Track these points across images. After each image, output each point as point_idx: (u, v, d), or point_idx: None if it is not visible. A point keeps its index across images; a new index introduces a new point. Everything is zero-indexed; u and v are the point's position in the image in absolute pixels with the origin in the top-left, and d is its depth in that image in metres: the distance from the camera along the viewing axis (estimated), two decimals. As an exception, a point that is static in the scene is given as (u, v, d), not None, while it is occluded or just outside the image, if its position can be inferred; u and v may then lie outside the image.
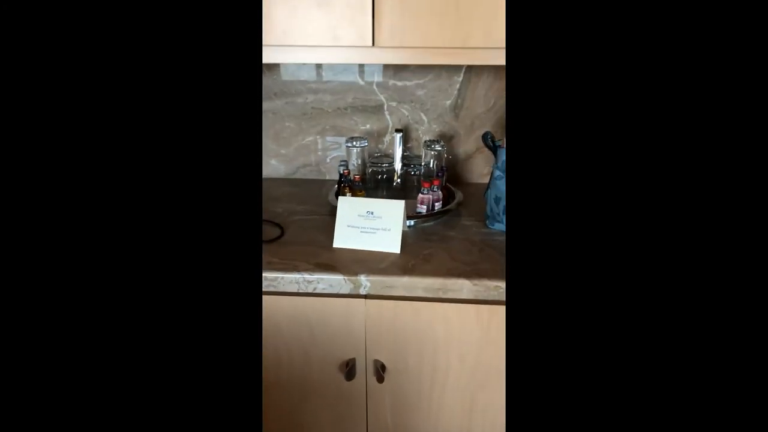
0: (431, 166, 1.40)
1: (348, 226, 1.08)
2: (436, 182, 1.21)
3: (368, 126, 1.47)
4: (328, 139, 1.49)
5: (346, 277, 0.96)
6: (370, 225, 1.07)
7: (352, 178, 1.23)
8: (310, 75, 1.42)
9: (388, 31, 1.01)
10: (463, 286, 0.94)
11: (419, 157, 1.48)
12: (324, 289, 0.97)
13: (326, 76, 1.42)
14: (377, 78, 1.41)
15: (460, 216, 1.25)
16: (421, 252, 1.05)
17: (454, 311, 0.98)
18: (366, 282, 0.96)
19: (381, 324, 1.02)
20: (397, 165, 1.36)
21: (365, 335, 1.03)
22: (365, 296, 0.99)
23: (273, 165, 1.53)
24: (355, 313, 1.00)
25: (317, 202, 1.35)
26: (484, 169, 1.50)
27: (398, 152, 1.35)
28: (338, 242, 1.08)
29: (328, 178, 1.54)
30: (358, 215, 1.07)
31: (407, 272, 0.97)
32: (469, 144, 1.47)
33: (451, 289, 0.95)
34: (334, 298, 0.99)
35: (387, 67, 1.39)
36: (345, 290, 0.97)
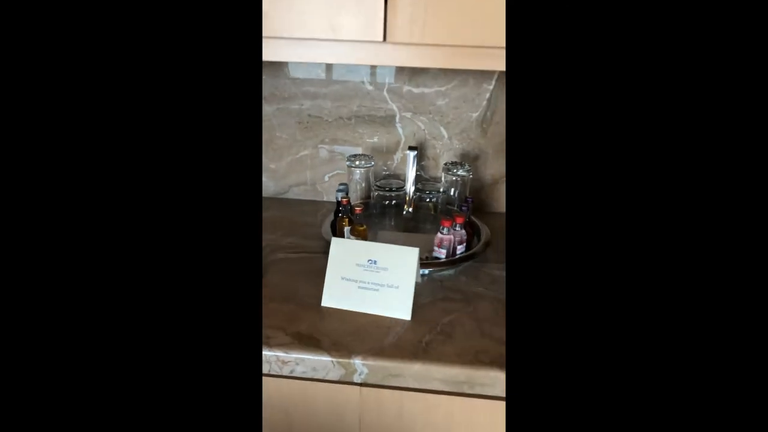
0: (452, 194, 1.13)
1: (342, 278, 0.82)
2: (459, 219, 0.94)
3: (375, 140, 1.21)
4: (325, 150, 1.23)
5: (335, 360, 0.70)
6: (372, 279, 0.80)
7: (351, 209, 0.97)
8: (306, 73, 1.16)
9: (405, 23, 0.74)
10: (497, 380, 0.68)
11: (436, 180, 1.21)
12: (304, 372, 0.71)
13: (327, 76, 1.16)
14: (389, 81, 1.14)
15: (487, 261, 0.98)
16: (438, 320, 0.78)
17: (484, 409, 0.72)
18: (362, 368, 0.70)
19: (381, 418, 0.75)
20: (409, 189, 1.10)
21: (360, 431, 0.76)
22: (361, 384, 0.73)
23: (262, 183, 1.27)
24: (347, 401, 0.74)
25: (308, 233, 1.08)
26: (515, 197, 1.22)
27: (411, 174, 1.09)
28: (328, 300, 0.82)
29: (325, 199, 1.28)
30: (357, 264, 0.81)
31: (420, 355, 0.70)
32: (497, 166, 1.20)
33: (480, 383, 0.69)
34: (318, 383, 0.73)
35: (401, 70, 1.13)
36: (333, 376, 0.71)
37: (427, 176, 1.22)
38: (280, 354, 0.70)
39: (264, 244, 1.03)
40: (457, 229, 0.94)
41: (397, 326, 0.77)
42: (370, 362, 0.69)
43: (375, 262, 0.81)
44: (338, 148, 1.22)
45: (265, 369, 0.71)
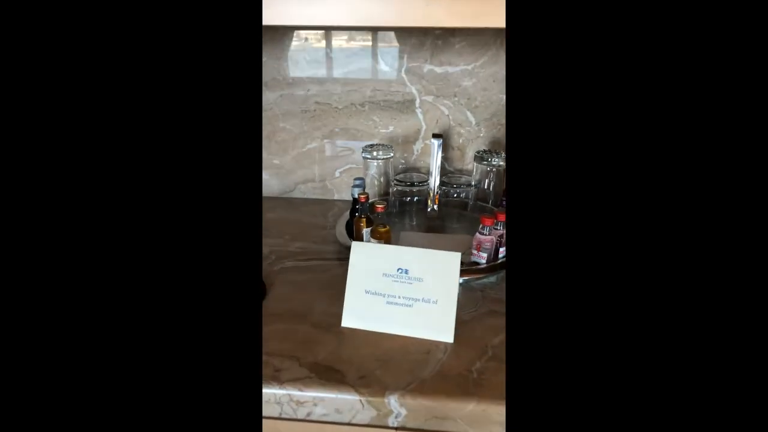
0: (485, 187, 0.98)
1: (366, 292, 0.67)
2: (502, 217, 0.79)
3: (392, 129, 1.06)
4: (339, 144, 1.08)
5: (364, 398, 0.55)
6: (404, 292, 0.65)
7: (371, 207, 0.82)
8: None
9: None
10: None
11: (463, 173, 1.06)
12: (325, 415, 0.56)
13: (333, 57, 1.01)
14: (407, 61, 1.00)
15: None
16: (488, 341, 0.63)
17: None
18: (399, 408, 0.54)
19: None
20: (434, 183, 0.95)
21: (393, 480, 0.61)
22: (397, 429, 0.58)
23: (264, 179, 1.13)
24: (378, 446, 0.59)
25: (320, 236, 0.94)
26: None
27: (436, 166, 0.94)
28: (350, 319, 0.67)
29: (336, 198, 1.13)
30: (384, 274, 0.66)
31: (471, 390, 0.55)
32: (533, 155, 1.05)
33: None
34: (344, 426, 0.58)
35: (422, 45, 0.98)
36: (362, 419, 0.56)
37: (451, 168, 1.08)
38: (294, 392, 0.55)
39: (268, 250, 0.88)
40: (500, 228, 0.79)
41: (438, 351, 0.61)
42: (409, 401, 0.54)
43: (406, 271, 0.66)
44: (349, 143, 1.08)
45: (274, 411, 0.57)
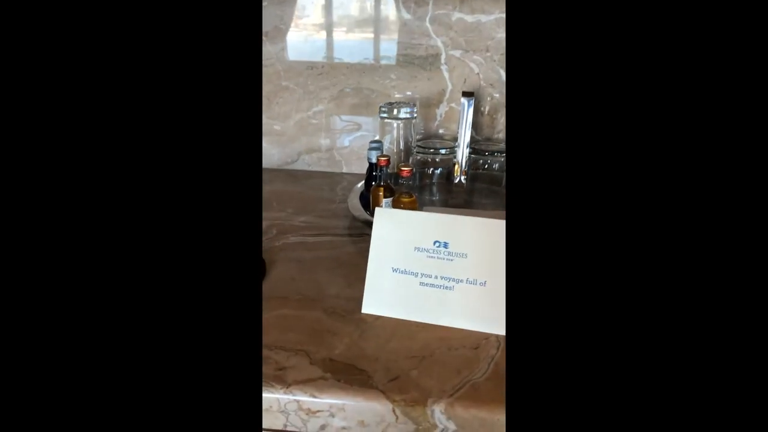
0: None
1: (394, 270, 0.53)
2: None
3: (414, 89, 0.91)
4: (345, 116, 0.94)
5: (398, 407, 0.41)
6: (443, 271, 0.51)
7: (396, 171, 0.68)
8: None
9: None
10: None
11: (494, 141, 0.93)
12: (346, 429, 0.42)
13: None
14: (432, 7, 0.85)
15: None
16: (550, 334, 0.50)
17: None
18: (446, 421, 0.41)
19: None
20: (462, 152, 0.81)
21: None
22: (440, 447, 0.44)
23: (263, 148, 0.98)
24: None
25: (329, 210, 0.80)
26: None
27: (465, 131, 0.80)
28: (372, 305, 0.53)
29: (345, 171, 0.99)
30: (417, 248, 0.52)
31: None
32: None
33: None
34: (368, 443, 0.44)
35: (451, -12, 0.83)
36: (394, 434, 0.42)
37: (479, 137, 0.94)
38: (304, 398, 0.41)
39: (268, 224, 0.74)
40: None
41: (489, 346, 0.48)
42: (460, 411, 0.40)
43: (446, 244, 0.52)
44: (357, 118, 0.93)
45: (277, 423, 0.43)
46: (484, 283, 0.50)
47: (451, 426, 0.41)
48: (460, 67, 0.89)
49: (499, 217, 0.75)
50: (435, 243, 0.52)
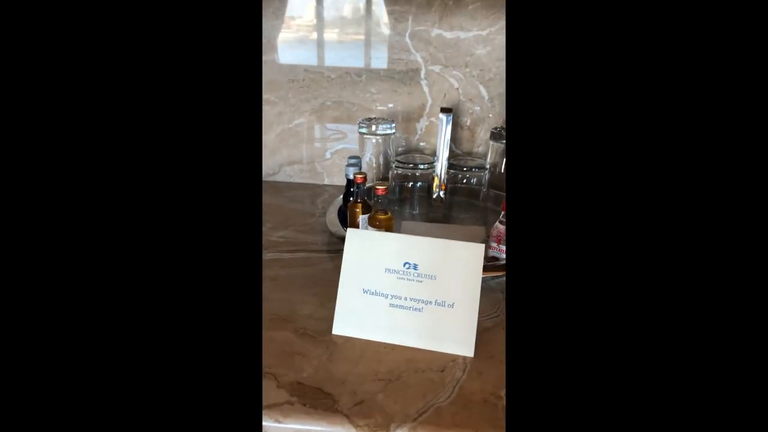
0: (502, 171, 0.86)
1: (364, 292, 0.53)
2: (526, 204, 0.66)
3: (393, 103, 0.92)
4: (329, 127, 0.95)
5: (361, 431, 0.41)
6: (412, 293, 0.52)
7: (371, 189, 0.69)
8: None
9: None
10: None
11: (474, 155, 0.94)
12: (310, 453, 0.43)
13: (325, 12, 0.87)
14: (411, 24, 0.86)
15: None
16: (516, 355, 0.51)
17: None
18: (409, 447, 0.41)
19: None
20: (442, 165, 0.82)
21: None
22: (404, 471, 0.45)
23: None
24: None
25: (307, 225, 0.80)
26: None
27: (444, 144, 0.81)
28: (342, 326, 0.53)
29: (327, 183, 0.99)
30: (387, 270, 0.53)
31: (501, 423, 0.42)
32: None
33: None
34: (333, 466, 0.45)
35: (429, 6, 0.84)
36: (358, 458, 0.43)
37: (459, 151, 0.95)
38: (268, 423, 0.42)
39: (246, 239, 0.74)
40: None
41: (456, 368, 0.49)
42: (422, 437, 0.41)
43: (416, 266, 0.52)
44: (341, 126, 0.94)
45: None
46: (452, 305, 0.51)
47: (414, 451, 0.41)
48: (440, 82, 0.90)
49: (476, 233, 0.77)
50: (405, 264, 0.53)
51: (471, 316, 0.50)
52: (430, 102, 0.92)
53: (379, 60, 0.89)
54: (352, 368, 0.48)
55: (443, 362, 0.49)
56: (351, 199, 0.72)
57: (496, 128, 0.83)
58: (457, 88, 0.90)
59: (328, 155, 0.98)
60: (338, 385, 0.45)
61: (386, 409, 0.43)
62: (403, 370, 0.48)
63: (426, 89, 0.91)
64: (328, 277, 0.63)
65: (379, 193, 0.66)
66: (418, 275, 0.52)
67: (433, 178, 0.84)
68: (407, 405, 0.43)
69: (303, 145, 0.97)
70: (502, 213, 0.65)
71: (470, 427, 0.41)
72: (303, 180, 0.99)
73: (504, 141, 0.82)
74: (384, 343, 0.52)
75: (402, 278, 0.52)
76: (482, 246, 0.51)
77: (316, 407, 0.43)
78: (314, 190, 0.96)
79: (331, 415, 0.42)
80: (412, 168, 0.87)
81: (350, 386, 0.45)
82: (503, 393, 0.45)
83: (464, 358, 0.50)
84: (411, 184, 0.89)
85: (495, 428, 0.41)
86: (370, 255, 0.53)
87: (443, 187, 0.84)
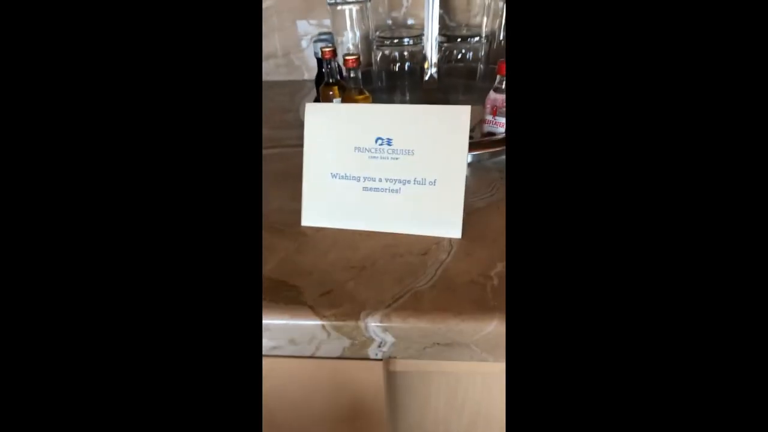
0: (502, 42, 0.73)
1: (333, 176, 0.46)
2: (526, 64, 0.55)
3: (372, -31, 0.77)
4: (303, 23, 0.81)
5: (327, 322, 0.36)
6: (387, 172, 0.45)
7: (343, 64, 0.58)
8: None
9: None
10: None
11: (470, 26, 0.80)
12: (277, 348, 0.39)
13: None
14: None
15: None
16: (511, 233, 0.44)
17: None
18: (383, 334, 0.36)
19: (416, 400, 0.44)
20: (432, 38, 0.70)
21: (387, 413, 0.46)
22: (384, 361, 0.41)
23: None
24: (365, 390, 0.43)
25: (282, 121, 0.72)
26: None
27: (432, 19, 0.68)
28: (312, 216, 0.47)
29: (307, 78, 0.89)
30: (357, 148, 0.45)
31: (491, 303, 0.36)
32: None
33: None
34: (307, 361, 0.41)
35: None
36: (331, 350, 0.38)
37: (453, 23, 0.81)
38: (226, 320, 0.37)
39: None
40: (523, 80, 0.56)
41: (440, 251, 0.42)
42: (398, 323, 0.36)
43: (389, 141, 0.44)
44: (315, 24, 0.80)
45: (205, 345, 0.39)
46: (434, 182, 0.43)
47: (389, 339, 0.36)
48: (425, -66, 0.74)
49: (474, 112, 0.67)
50: (377, 140, 0.44)
51: (456, 192, 0.43)
52: (414, -37, 0.76)
53: None
54: (321, 258, 0.42)
55: (426, 245, 0.43)
56: (325, 79, 0.62)
57: (491, -17, 0.68)
58: (447, -59, 0.74)
59: (304, 45, 0.86)
60: (304, 276, 0.40)
61: (357, 297, 0.37)
62: (379, 256, 0.42)
63: (408, -54, 0.75)
64: (300, 171, 0.56)
65: (351, 65, 0.55)
66: (393, 151, 0.44)
67: (424, 57, 0.73)
68: (381, 292, 0.38)
69: (275, 35, 0.85)
70: (498, 78, 0.54)
71: (451, 311, 0.36)
72: (279, 77, 0.89)
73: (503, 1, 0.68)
74: (360, 230, 0.45)
75: (374, 156, 0.45)
76: (467, 108, 0.42)
77: (278, 301, 0.38)
78: (292, 87, 0.86)
79: (294, 307, 0.37)
80: (396, 45, 0.75)
81: (317, 276, 0.40)
82: (494, 273, 0.39)
83: (450, 239, 0.43)
84: (399, 65, 0.78)
85: (481, 310, 0.35)
86: (335, 133, 0.45)
87: (433, 67, 0.73)
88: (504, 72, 0.53)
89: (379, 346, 0.37)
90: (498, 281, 0.38)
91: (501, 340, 0.35)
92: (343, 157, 0.45)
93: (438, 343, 0.36)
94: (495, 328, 0.35)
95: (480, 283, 0.38)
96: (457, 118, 0.42)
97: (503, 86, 0.54)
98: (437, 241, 0.43)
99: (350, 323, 0.36)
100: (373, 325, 0.36)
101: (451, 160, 0.43)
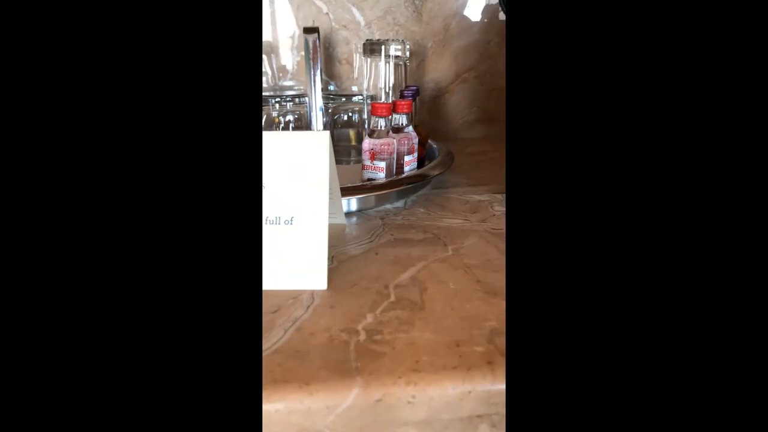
0: (388, 85, 0.72)
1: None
2: (402, 107, 0.52)
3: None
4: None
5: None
6: (232, 212, 0.36)
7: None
8: None
9: None
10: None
11: (347, 95, 0.80)
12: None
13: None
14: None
15: (457, 186, 0.58)
16: (388, 280, 0.36)
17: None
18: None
19: None
20: (314, 102, 0.67)
21: None
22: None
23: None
24: None
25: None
26: (470, 113, 0.85)
27: (314, 77, 0.66)
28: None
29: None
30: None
31: (350, 370, 0.27)
32: (442, 68, 0.81)
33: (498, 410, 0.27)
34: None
35: None
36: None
37: (338, 90, 0.80)
38: None
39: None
40: (404, 124, 0.52)
41: (297, 306, 0.32)
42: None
43: (234, 173, 0.36)
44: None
45: None
46: (290, 221, 0.35)
47: None
48: (306, 6, 0.75)
49: (350, 172, 0.62)
50: (220, 174, 0.36)
51: (318, 231, 0.35)
52: (297, 32, 0.76)
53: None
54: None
55: (278, 301, 0.33)
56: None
57: (368, 42, 0.69)
58: (327, 13, 0.76)
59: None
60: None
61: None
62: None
63: (291, 12, 0.75)
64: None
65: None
66: (240, 186, 0.36)
67: (305, 113, 0.69)
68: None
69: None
70: (373, 121, 0.50)
71: (296, 381, 0.25)
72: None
73: (376, 55, 0.68)
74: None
75: (217, 194, 0.36)
76: (326, 133, 0.36)
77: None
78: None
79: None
80: (278, 102, 0.71)
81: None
82: (361, 326, 0.30)
83: (312, 292, 0.34)
84: (282, 129, 0.73)
85: (339, 374, 0.25)
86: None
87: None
88: (378, 111, 0.49)
89: None
90: (365, 335, 0.29)
91: (368, 418, 0.25)
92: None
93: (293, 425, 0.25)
94: (355, 399, 0.24)
95: (341, 341, 0.28)
96: (315, 146, 0.36)
97: (381, 124, 0.50)
98: (295, 295, 0.33)
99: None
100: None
101: (311, 194, 0.35)
